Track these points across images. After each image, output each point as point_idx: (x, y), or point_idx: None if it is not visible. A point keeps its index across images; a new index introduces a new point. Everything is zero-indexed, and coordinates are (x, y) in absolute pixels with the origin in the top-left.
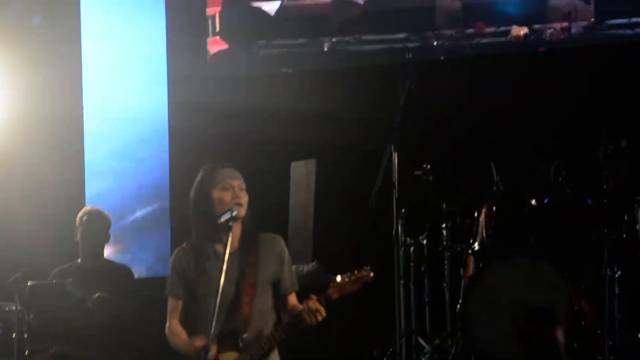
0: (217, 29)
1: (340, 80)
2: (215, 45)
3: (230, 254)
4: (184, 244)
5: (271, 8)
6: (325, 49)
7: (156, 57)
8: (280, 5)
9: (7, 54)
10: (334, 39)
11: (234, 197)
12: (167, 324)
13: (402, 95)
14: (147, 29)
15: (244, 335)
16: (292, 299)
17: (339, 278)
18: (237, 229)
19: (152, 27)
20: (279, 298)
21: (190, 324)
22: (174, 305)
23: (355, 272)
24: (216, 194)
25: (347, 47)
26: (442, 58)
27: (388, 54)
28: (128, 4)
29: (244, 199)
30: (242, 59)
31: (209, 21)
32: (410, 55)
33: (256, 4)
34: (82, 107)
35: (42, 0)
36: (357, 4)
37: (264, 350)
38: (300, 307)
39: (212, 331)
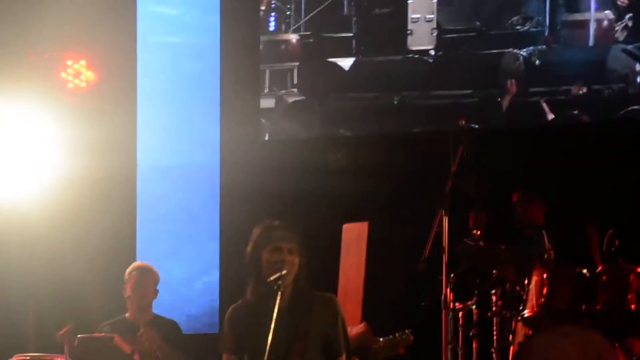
0: (295, 81)
1: (397, 143)
2: (293, 97)
3: (281, 312)
4: (239, 302)
5: (346, 64)
6: (395, 102)
7: (209, 118)
8: (354, 61)
9: (63, 110)
10: (404, 93)
11: (280, 260)
12: None
13: (453, 161)
14: (201, 91)
15: None
16: None
17: (381, 340)
18: (289, 289)
19: (206, 87)
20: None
21: None
22: None
23: (397, 335)
24: (265, 255)
25: (415, 100)
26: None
27: (449, 115)
28: (183, 70)
29: (292, 262)
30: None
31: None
32: (464, 123)
33: (332, 60)
34: (136, 162)
35: (100, 57)
36: (427, 62)
37: None
38: None
39: None
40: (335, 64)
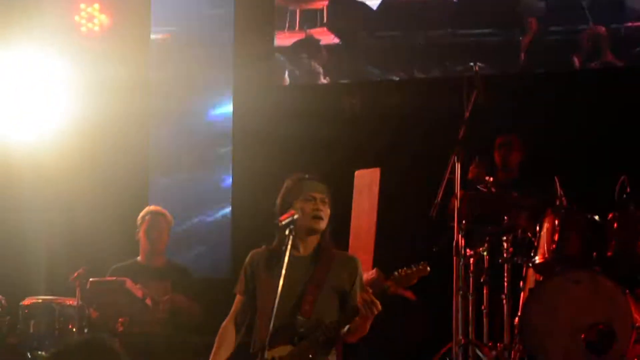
0: (325, 20)
1: (409, 89)
2: (322, 36)
3: (303, 258)
4: (262, 247)
5: (374, 2)
6: (421, 42)
7: (224, 62)
8: (382, 1)
9: (77, 52)
10: (429, 32)
11: (315, 208)
12: (225, 321)
13: (467, 108)
14: (216, 34)
15: (300, 330)
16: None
17: (396, 272)
18: (315, 238)
19: (221, 31)
20: (344, 313)
21: (252, 322)
22: (236, 302)
23: (412, 266)
24: (298, 204)
25: (439, 40)
26: (508, 72)
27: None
28: (196, 14)
29: (325, 212)
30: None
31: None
32: (478, 69)
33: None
34: (149, 108)
35: (113, 1)
36: (452, 1)
37: (317, 342)
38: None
39: (270, 328)
40: (363, 4)
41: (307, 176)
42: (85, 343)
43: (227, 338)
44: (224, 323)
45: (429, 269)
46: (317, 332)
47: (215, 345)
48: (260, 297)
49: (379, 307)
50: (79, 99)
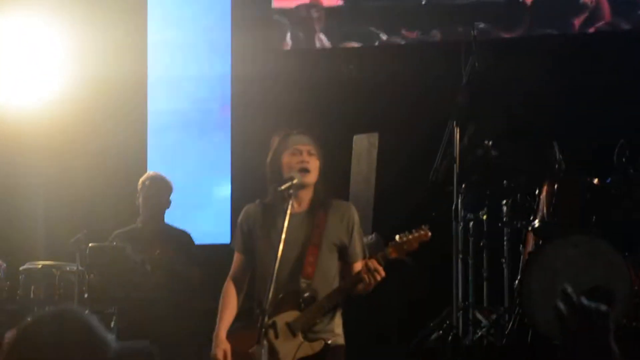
0: None
1: (408, 54)
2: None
3: (298, 215)
4: (256, 201)
5: None
6: (423, 2)
7: (221, 26)
8: None
9: (74, 17)
10: None
11: (300, 161)
12: (226, 282)
13: (465, 73)
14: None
15: (305, 295)
16: (358, 267)
17: (397, 237)
18: (308, 192)
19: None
20: (345, 265)
21: (253, 281)
22: (235, 260)
23: (413, 231)
24: (285, 158)
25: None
26: (506, 36)
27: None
28: None
29: (313, 163)
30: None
31: None
32: (475, 33)
33: None
34: (146, 72)
35: None
36: None
37: (324, 309)
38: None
39: (272, 289)
40: None
41: (294, 131)
42: (58, 315)
43: (230, 300)
44: (225, 284)
45: (430, 233)
46: (323, 300)
47: (219, 309)
48: (259, 257)
49: (382, 273)
50: (77, 63)
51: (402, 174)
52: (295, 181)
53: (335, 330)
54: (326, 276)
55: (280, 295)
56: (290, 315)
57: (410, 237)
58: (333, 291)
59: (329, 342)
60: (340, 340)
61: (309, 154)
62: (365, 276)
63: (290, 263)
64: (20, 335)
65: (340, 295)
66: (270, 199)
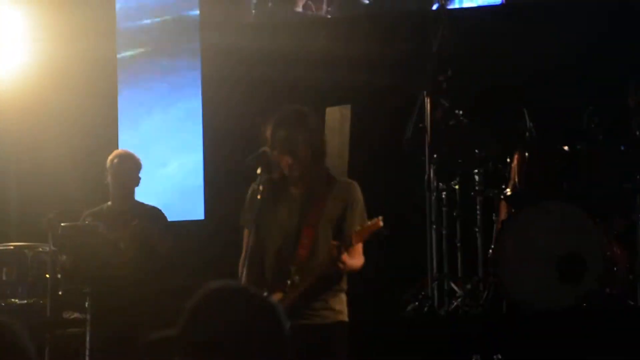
0: None
1: (375, 26)
2: None
3: (296, 197)
4: (259, 178)
5: None
6: None
7: (189, 3)
8: None
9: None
10: None
11: (286, 163)
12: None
13: (434, 42)
14: None
15: (294, 277)
16: None
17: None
18: (306, 176)
19: None
20: (342, 241)
21: (255, 259)
22: (245, 237)
23: (368, 222)
24: (275, 155)
25: None
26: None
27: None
28: None
29: (299, 160)
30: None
31: None
32: (443, 2)
33: None
34: (115, 52)
35: None
36: None
37: (303, 291)
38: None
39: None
40: None
41: (282, 119)
42: None
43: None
44: (241, 258)
45: (382, 224)
46: (300, 283)
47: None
48: (265, 236)
49: (344, 263)
50: (45, 42)
51: (375, 145)
52: (264, 149)
53: (336, 308)
54: (322, 254)
55: (273, 276)
56: (275, 298)
57: (363, 227)
58: (307, 272)
59: (327, 320)
60: (341, 316)
61: (294, 154)
62: (332, 265)
63: (289, 243)
64: None
65: (314, 276)
66: (277, 175)
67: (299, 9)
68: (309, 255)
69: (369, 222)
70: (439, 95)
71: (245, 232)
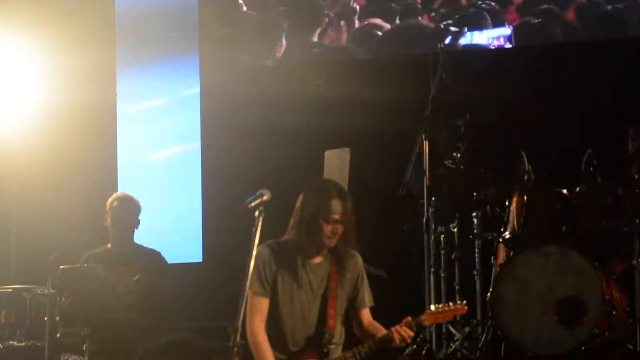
0: None
1: (374, 69)
2: None
3: (318, 265)
4: (271, 241)
5: None
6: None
7: (189, 47)
8: None
9: (41, 39)
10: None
11: (331, 230)
12: (250, 323)
13: (433, 86)
14: (180, 18)
15: (331, 346)
16: (366, 312)
17: (432, 307)
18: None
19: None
20: (351, 310)
21: (270, 324)
22: (258, 304)
23: (451, 304)
24: (322, 224)
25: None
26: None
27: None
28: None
29: (340, 229)
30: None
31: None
32: (443, 46)
33: None
34: (115, 94)
35: None
36: None
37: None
38: (376, 324)
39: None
40: None
41: (333, 192)
42: None
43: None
44: (254, 327)
45: (467, 308)
46: (347, 355)
47: (259, 353)
48: (285, 303)
49: (412, 334)
50: (48, 89)
51: (374, 188)
52: (265, 197)
53: None
54: (341, 327)
55: (303, 344)
56: None
57: (447, 309)
58: (360, 348)
59: None
60: None
61: (342, 223)
62: (396, 339)
63: (314, 315)
64: None
65: (366, 352)
66: (291, 244)
67: (315, 38)
68: (335, 326)
69: (453, 305)
70: (456, 139)
71: (254, 297)
